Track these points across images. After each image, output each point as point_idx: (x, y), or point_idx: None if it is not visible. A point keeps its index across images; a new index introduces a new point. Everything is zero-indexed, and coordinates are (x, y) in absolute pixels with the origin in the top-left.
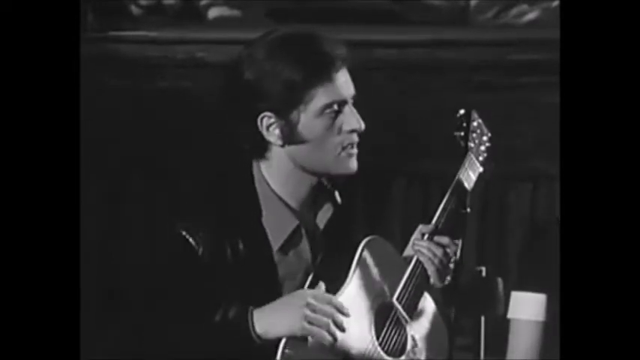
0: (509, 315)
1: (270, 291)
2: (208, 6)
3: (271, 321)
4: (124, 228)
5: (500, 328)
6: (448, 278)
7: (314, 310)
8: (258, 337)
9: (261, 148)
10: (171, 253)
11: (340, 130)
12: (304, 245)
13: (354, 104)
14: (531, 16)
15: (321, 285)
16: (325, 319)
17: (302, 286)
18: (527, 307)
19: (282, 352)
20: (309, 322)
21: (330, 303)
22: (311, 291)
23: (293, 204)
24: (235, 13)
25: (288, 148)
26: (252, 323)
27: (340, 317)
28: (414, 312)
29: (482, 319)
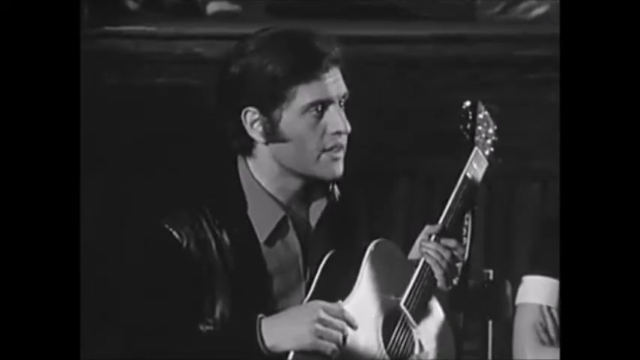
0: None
1: (259, 285)
2: (207, 1)
3: (282, 335)
4: (121, 224)
5: (508, 333)
6: (455, 281)
7: (325, 325)
8: (267, 350)
9: (247, 144)
10: (156, 247)
11: (324, 132)
12: (292, 237)
13: (355, 100)
14: (539, 11)
15: (340, 304)
16: (336, 334)
17: (295, 282)
18: (533, 291)
19: None
20: (320, 337)
21: (341, 317)
22: (323, 304)
23: (280, 197)
24: (235, 8)
25: (271, 146)
26: (262, 335)
27: (349, 330)
28: (421, 316)
29: (490, 323)
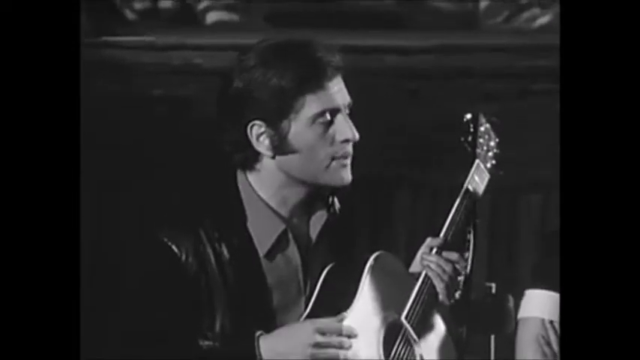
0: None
1: (259, 299)
2: (206, 10)
3: (278, 357)
4: (118, 237)
5: (510, 347)
6: (457, 295)
7: (321, 347)
8: None
9: (250, 159)
10: (155, 261)
11: (333, 140)
12: (292, 251)
13: (356, 111)
14: (543, 20)
15: (343, 315)
16: (334, 353)
17: (295, 296)
18: (536, 304)
19: None
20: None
21: (338, 333)
22: (318, 325)
23: (280, 210)
24: (234, 17)
25: (278, 158)
26: (260, 355)
27: (348, 343)
28: (422, 330)
29: (493, 337)
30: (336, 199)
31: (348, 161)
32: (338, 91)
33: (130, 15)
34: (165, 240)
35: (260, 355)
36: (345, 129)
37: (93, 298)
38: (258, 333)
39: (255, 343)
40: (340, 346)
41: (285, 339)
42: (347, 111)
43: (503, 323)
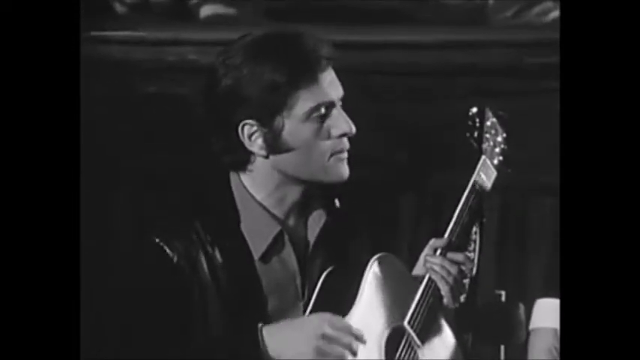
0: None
1: (254, 304)
2: (200, 4)
3: (284, 346)
4: (114, 234)
5: (522, 357)
6: (462, 298)
7: (330, 341)
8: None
9: (242, 160)
10: (146, 262)
11: (329, 135)
12: (289, 253)
13: (358, 107)
14: (556, 14)
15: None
16: (340, 351)
17: (292, 301)
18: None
19: None
20: (323, 354)
21: (349, 332)
22: (329, 317)
23: (276, 211)
24: (229, 11)
25: (272, 158)
26: (264, 343)
27: (356, 345)
28: (426, 336)
29: (502, 348)
30: (336, 200)
31: (345, 155)
32: (331, 84)
33: (119, 9)
34: (157, 241)
35: (264, 345)
36: (341, 123)
37: (92, 299)
38: (260, 325)
39: (259, 333)
40: (349, 346)
41: (292, 329)
42: (340, 104)
43: (514, 333)
